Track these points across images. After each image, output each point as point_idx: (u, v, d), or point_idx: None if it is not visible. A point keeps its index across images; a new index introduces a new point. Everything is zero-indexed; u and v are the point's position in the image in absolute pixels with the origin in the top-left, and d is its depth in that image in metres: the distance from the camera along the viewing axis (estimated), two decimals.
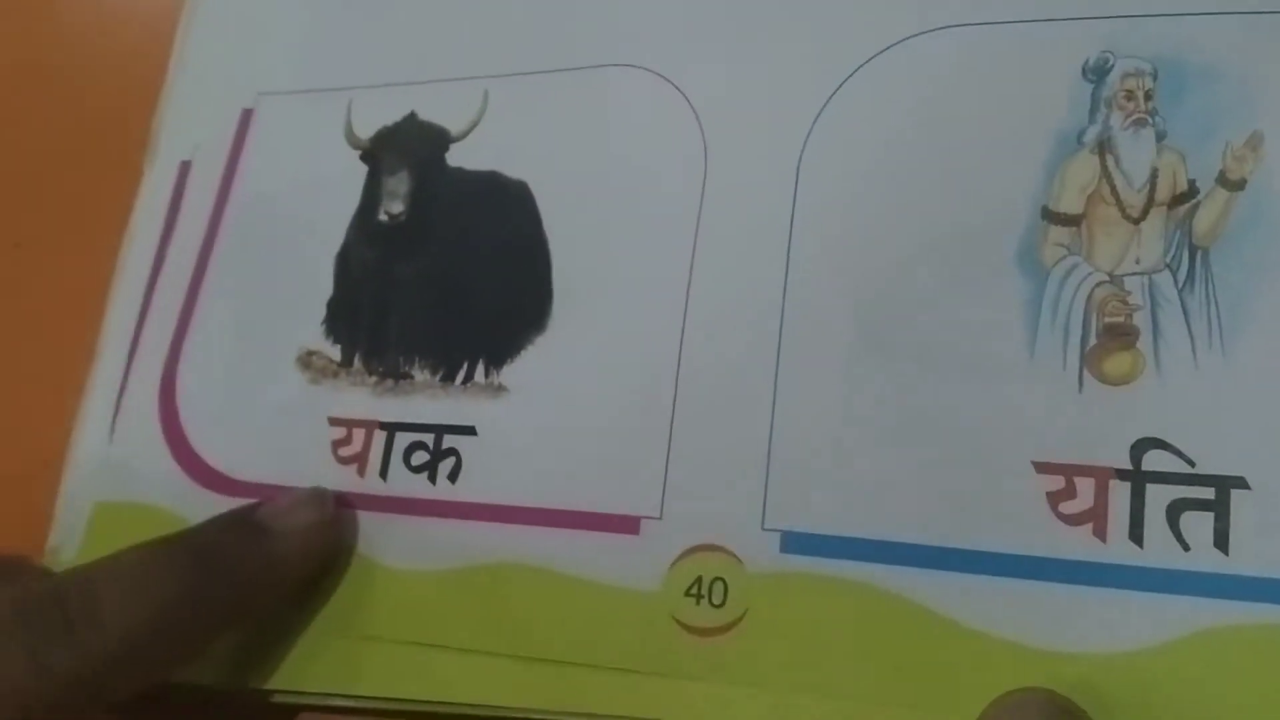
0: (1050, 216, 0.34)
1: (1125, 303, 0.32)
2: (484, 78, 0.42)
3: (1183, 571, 0.30)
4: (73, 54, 0.53)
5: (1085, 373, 0.32)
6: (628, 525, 0.35)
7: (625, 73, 0.40)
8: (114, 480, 0.42)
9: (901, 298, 0.34)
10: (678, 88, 0.39)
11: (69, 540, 0.42)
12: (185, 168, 0.46)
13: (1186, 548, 0.30)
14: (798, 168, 0.36)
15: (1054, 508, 0.32)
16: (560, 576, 0.35)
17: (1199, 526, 0.30)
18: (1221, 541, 0.30)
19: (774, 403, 0.34)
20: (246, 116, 0.45)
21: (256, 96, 0.46)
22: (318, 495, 0.38)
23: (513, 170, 0.41)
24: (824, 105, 0.37)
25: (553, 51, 0.41)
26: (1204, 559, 0.30)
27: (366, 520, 0.39)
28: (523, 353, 0.39)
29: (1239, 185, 0.32)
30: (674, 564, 0.34)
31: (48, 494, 0.43)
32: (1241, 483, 0.30)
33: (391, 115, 0.43)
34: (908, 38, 0.36)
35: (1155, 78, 0.34)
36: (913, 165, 0.35)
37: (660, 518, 0.35)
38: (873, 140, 0.36)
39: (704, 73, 0.39)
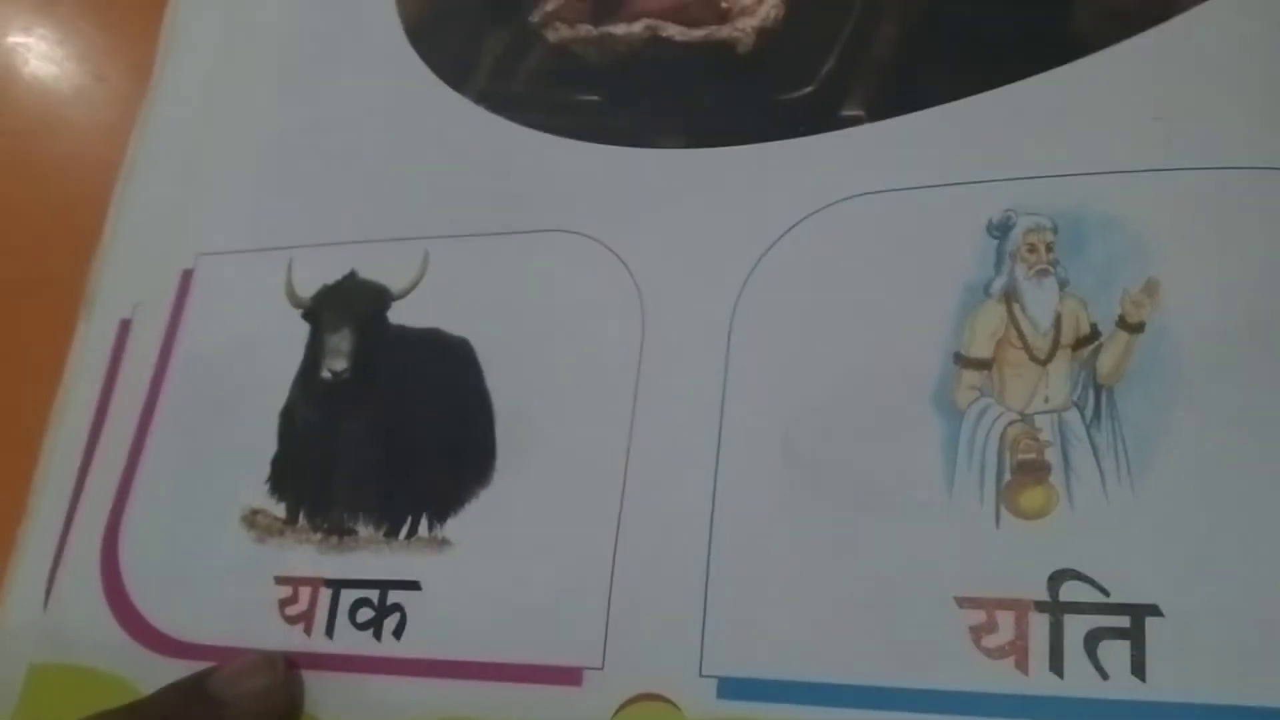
0: (963, 361, 0.35)
1: (1036, 439, 0.34)
2: (424, 238, 0.44)
3: (1102, 700, 0.31)
4: (7, 203, 0.54)
5: (1001, 508, 0.33)
6: (570, 677, 0.36)
7: (564, 238, 0.42)
8: (50, 641, 0.42)
9: (829, 442, 0.36)
10: (615, 253, 0.41)
11: (1, 704, 0.41)
12: (125, 325, 0.47)
13: (1105, 676, 0.31)
14: (730, 322, 0.38)
15: (977, 642, 0.32)
16: None
17: (1116, 655, 0.31)
18: (1139, 669, 0.31)
19: (709, 548, 0.35)
20: (187, 276, 0.47)
21: (196, 257, 0.47)
22: (268, 660, 0.38)
23: (454, 328, 0.42)
24: (755, 265, 0.39)
25: (493, 215, 0.43)
26: (1122, 687, 0.31)
27: (313, 680, 0.39)
28: (466, 506, 0.40)
29: (1138, 328, 0.34)
30: (615, 715, 0.35)
31: None
32: (1155, 610, 0.31)
33: (332, 274, 0.44)
34: (831, 204, 0.38)
35: (1055, 231, 0.36)
36: (835, 319, 0.37)
37: (602, 668, 0.35)
38: (799, 296, 0.38)
39: (640, 240, 0.41)
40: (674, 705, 0.34)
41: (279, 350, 0.44)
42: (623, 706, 0.35)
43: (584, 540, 0.37)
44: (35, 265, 0.52)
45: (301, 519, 0.42)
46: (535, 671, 0.36)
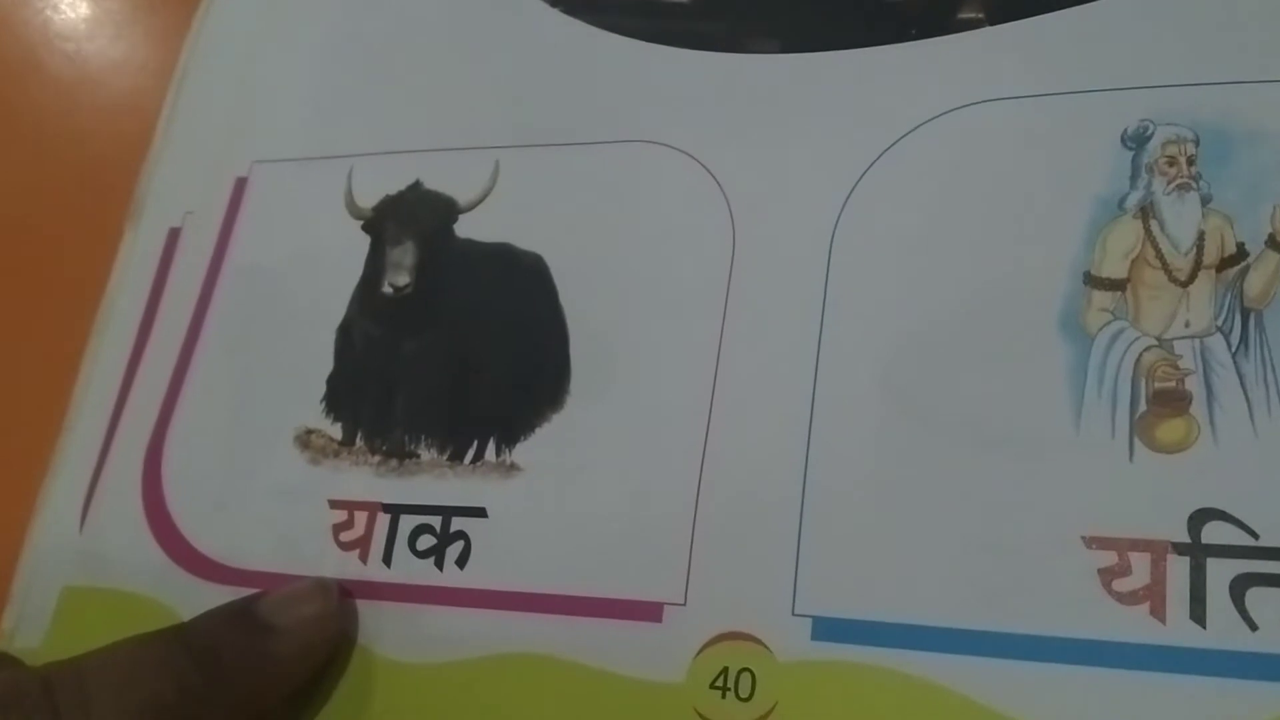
0: (1093, 281, 0.32)
1: (1176, 367, 0.31)
2: (495, 148, 0.41)
3: (1251, 654, 0.28)
4: (57, 107, 0.52)
5: (1136, 441, 0.30)
6: (650, 612, 0.33)
7: (648, 149, 0.39)
8: (86, 564, 0.39)
9: (938, 368, 0.33)
10: (704, 166, 0.38)
11: (32, 625, 0.38)
12: (174, 235, 0.44)
13: (1254, 627, 0.28)
14: (831, 240, 0.35)
15: (1106, 585, 0.29)
16: (577, 668, 0.33)
17: (1267, 604, 0.28)
18: None
19: (804, 481, 0.32)
20: (241, 184, 0.44)
21: (251, 165, 0.44)
22: (321, 586, 0.36)
23: (527, 243, 0.39)
24: (859, 178, 0.36)
25: (569, 124, 0.40)
26: (1275, 640, 0.28)
27: (370, 610, 0.36)
28: (537, 431, 0.37)
29: None
30: (699, 654, 0.32)
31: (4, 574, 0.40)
32: None
33: (395, 184, 0.42)
34: (945, 112, 0.35)
35: (1197, 143, 0.33)
36: (950, 235, 0.34)
37: (684, 604, 0.33)
38: (909, 212, 0.35)
39: (731, 147, 0.38)
40: (764, 645, 0.31)
41: (337, 263, 0.41)
42: (706, 646, 0.32)
43: (665, 469, 0.34)
44: (86, 173, 0.49)
45: (359, 440, 0.39)
46: (611, 605, 0.33)
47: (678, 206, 0.38)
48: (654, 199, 0.38)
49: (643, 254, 0.37)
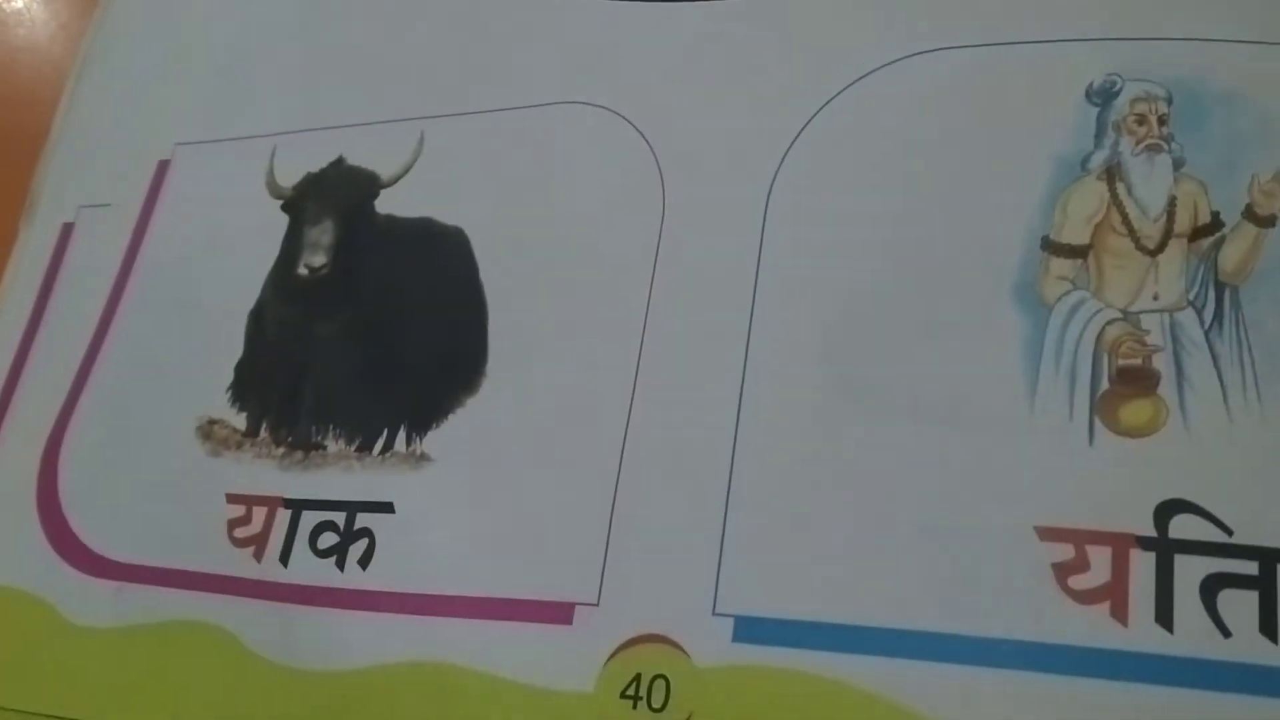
0: (1052, 247, 0.29)
1: (1142, 343, 0.27)
2: (420, 118, 0.38)
3: (1222, 663, 0.24)
4: None
5: (1096, 423, 0.27)
6: (559, 614, 0.30)
7: (575, 110, 0.36)
8: None
9: (880, 341, 0.29)
10: (632, 124, 0.35)
11: None
12: (68, 229, 0.41)
13: (1227, 634, 0.25)
14: (766, 203, 0.32)
15: (1062, 582, 0.26)
16: (479, 677, 0.30)
17: (1241, 608, 0.25)
18: (1269, 627, 0.24)
19: (732, 468, 0.29)
20: (162, 168, 0.41)
21: (174, 148, 0.41)
22: None
23: (450, 217, 0.36)
24: (797, 135, 0.32)
25: (496, 88, 0.37)
26: (1248, 648, 0.24)
27: (261, 612, 0.33)
28: (450, 418, 0.34)
29: (1269, 221, 0.28)
30: (610, 659, 0.29)
31: None
32: None
33: (318, 161, 0.39)
34: (897, 59, 0.32)
35: (1169, 101, 0.29)
36: (894, 196, 0.31)
37: (597, 605, 0.29)
38: (853, 168, 0.32)
39: (662, 104, 0.35)
40: (680, 649, 0.28)
41: (255, 246, 0.38)
42: (619, 650, 0.28)
43: (583, 457, 0.31)
44: None
45: (264, 431, 0.36)
46: (519, 607, 0.30)
47: (606, 171, 0.35)
48: (582, 164, 0.35)
49: (568, 224, 0.34)
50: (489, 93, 0.37)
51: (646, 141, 0.34)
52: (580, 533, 0.30)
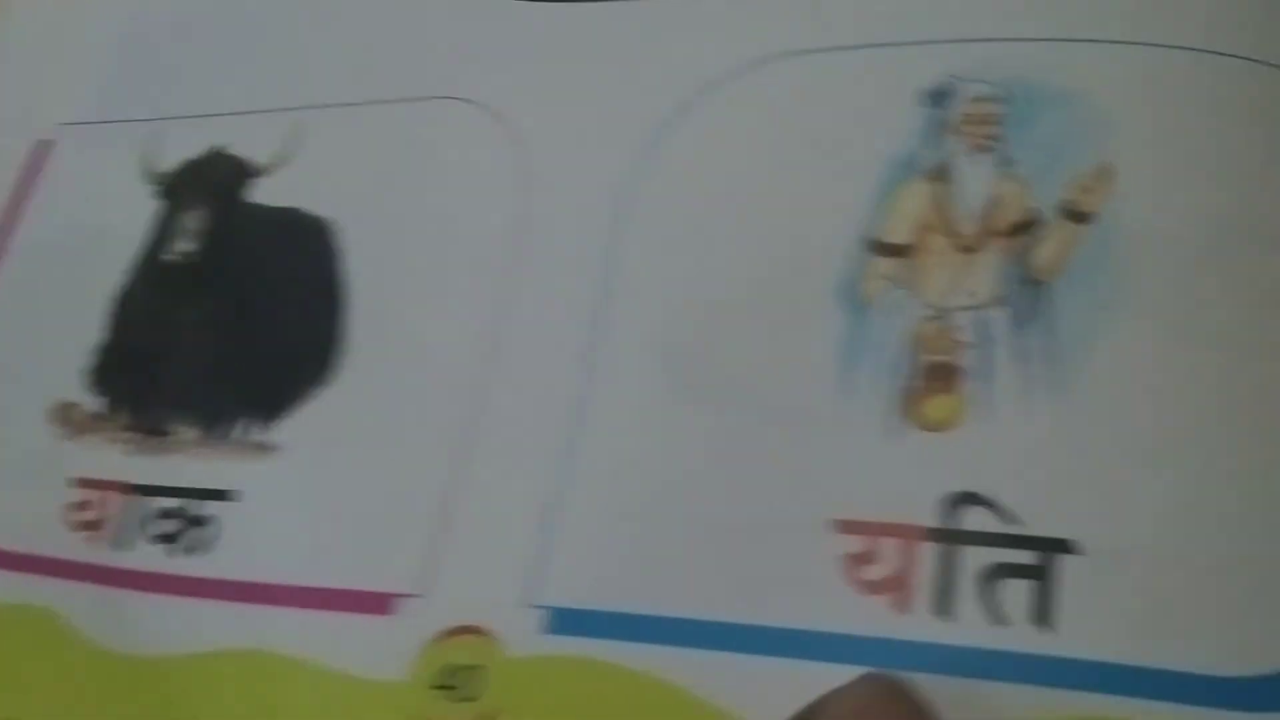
0: (876, 248, 0.29)
1: (952, 339, 0.27)
2: (298, 108, 0.38)
3: (997, 651, 0.24)
4: None
5: (902, 418, 0.27)
6: (382, 604, 0.30)
7: (446, 106, 0.36)
8: None
9: (717, 340, 0.30)
10: (502, 120, 0.35)
11: None
12: None
13: (1003, 622, 0.25)
14: (615, 206, 0.32)
15: (850, 573, 0.26)
16: (298, 666, 0.30)
17: (1019, 597, 0.25)
18: (1044, 616, 0.24)
19: (570, 460, 0.29)
20: (41, 149, 0.41)
21: (56, 127, 0.42)
22: None
23: (321, 207, 0.36)
24: (649, 138, 0.33)
25: (372, 81, 0.38)
26: (1023, 637, 0.24)
27: (93, 596, 0.33)
28: (301, 408, 0.34)
29: (1085, 218, 0.28)
30: (425, 650, 0.28)
31: None
32: (1071, 546, 0.25)
33: (197, 148, 0.39)
34: (741, 66, 0.33)
35: (1001, 103, 0.30)
36: (740, 198, 0.31)
37: (420, 596, 0.29)
38: (701, 173, 0.32)
39: (531, 101, 0.35)
40: (495, 640, 0.28)
41: (128, 232, 0.38)
42: (435, 641, 0.29)
43: (418, 450, 0.31)
44: None
45: (119, 416, 0.36)
46: (343, 597, 0.30)
47: (473, 166, 0.35)
48: (450, 158, 0.35)
49: (430, 216, 0.35)
50: (363, 85, 0.38)
51: (515, 140, 0.34)
52: (408, 523, 0.30)
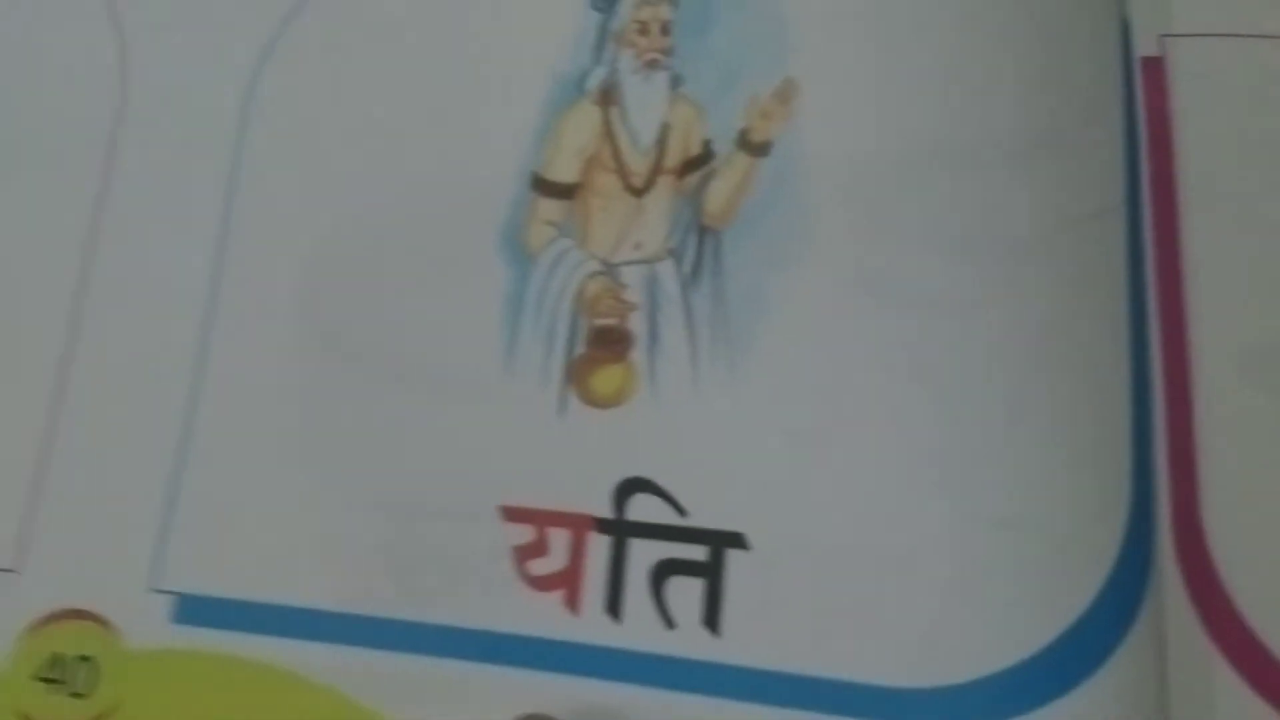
0: (541, 186, 0.26)
1: (620, 300, 0.25)
2: None
3: (662, 657, 0.23)
4: None
5: (569, 391, 0.25)
6: None
7: None
8: None
9: (363, 287, 0.27)
10: None
11: None
12: None
13: (671, 624, 0.24)
14: (242, 114, 0.28)
15: (520, 567, 0.24)
16: None
17: (687, 597, 0.24)
18: (711, 618, 0.23)
19: (185, 427, 0.26)
20: None
21: None
22: None
23: None
24: (284, 24, 0.28)
25: None
26: (690, 641, 0.23)
27: None
28: None
29: (763, 149, 0.25)
30: (27, 634, 0.26)
31: None
32: (739, 540, 0.23)
33: None
34: None
35: (675, 5, 0.26)
36: (389, 114, 0.27)
37: (17, 571, 0.26)
38: (340, 79, 0.28)
39: None
40: (111, 627, 0.26)
41: None
42: (39, 625, 0.26)
43: (10, 404, 0.28)
44: None
45: None
46: None
47: (60, 39, 0.30)
48: (33, 29, 0.30)
49: (11, 95, 0.30)
50: None
51: (108, 12, 0.29)
52: None
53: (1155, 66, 0.26)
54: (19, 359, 0.27)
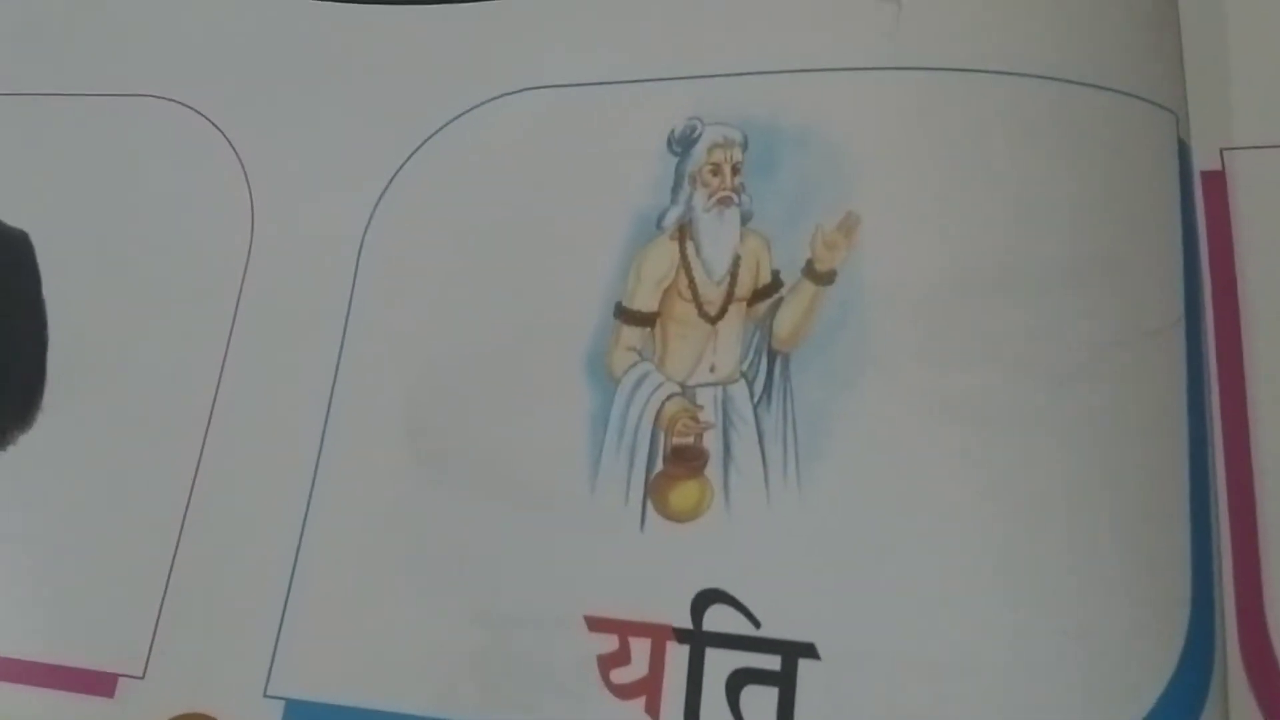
0: (624, 315, 0.28)
1: (696, 420, 0.27)
2: None
3: None
4: None
5: (649, 506, 0.26)
6: (102, 685, 0.29)
7: (155, 105, 0.34)
8: None
9: (463, 411, 0.29)
10: (220, 129, 0.33)
11: None
12: None
13: None
14: (361, 245, 0.30)
15: (605, 675, 0.26)
16: None
17: (761, 705, 0.25)
18: None
19: (301, 536, 0.28)
20: None
21: None
22: None
23: (13, 215, 0.33)
24: (396, 172, 0.31)
25: (59, 69, 0.35)
26: None
27: None
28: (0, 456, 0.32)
29: (828, 278, 0.27)
30: None
31: None
32: (810, 651, 0.24)
33: None
34: (485, 101, 0.31)
35: (745, 147, 0.28)
36: (485, 251, 0.30)
37: (143, 677, 0.28)
38: (445, 220, 0.30)
39: (254, 112, 0.33)
40: None
41: None
42: None
43: (143, 512, 0.30)
44: None
45: None
46: (59, 675, 0.29)
47: (189, 180, 0.33)
48: (161, 167, 0.33)
49: (144, 235, 0.32)
50: (51, 73, 0.35)
51: (236, 154, 0.32)
52: (131, 596, 0.29)
53: (1216, 180, 0.27)
54: (155, 478, 0.30)
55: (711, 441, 0.27)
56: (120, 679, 0.29)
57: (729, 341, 0.27)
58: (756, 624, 0.25)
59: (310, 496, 0.29)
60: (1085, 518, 0.24)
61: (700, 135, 0.29)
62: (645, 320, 0.28)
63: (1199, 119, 0.28)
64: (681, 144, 0.29)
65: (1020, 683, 0.23)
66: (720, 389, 0.27)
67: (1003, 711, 0.23)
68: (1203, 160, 0.28)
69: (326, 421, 0.29)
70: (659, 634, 0.26)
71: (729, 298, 0.27)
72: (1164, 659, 0.23)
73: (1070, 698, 0.23)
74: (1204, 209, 0.28)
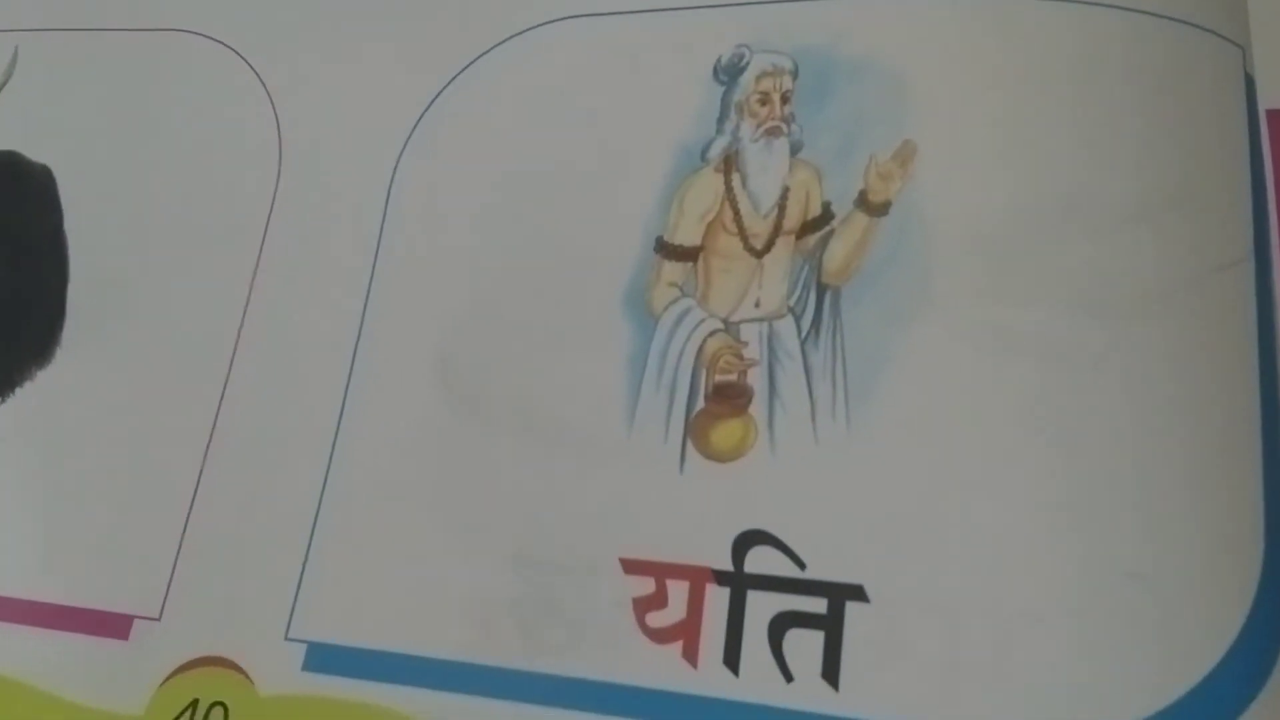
0: (664, 249, 0.27)
1: (740, 356, 0.25)
2: (16, 30, 0.34)
3: (781, 710, 0.23)
4: None
5: (689, 446, 0.25)
6: (117, 627, 0.28)
7: (190, 40, 0.33)
8: None
9: (495, 347, 0.28)
10: (249, 64, 0.32)
11: None
12: None
13: (790, 678, 0.23)
14: (391, 180, 0.29)
15: (640, 619, 0.25)
16: (25, 690, 0.28)
17: (806, 650, 0.23)
18: (831, 672, 0.23)
19: (326, 479, 0.27)
20: None
21: None
22: None
23: (40, 149, 0.33)
24: (428, 105, 0.30)
25: (101, 3, 0.34)
26: (808, 694, 0.23)
27: None
28: (18, 391, 0.31)
29: (882, 209, 0.25)
30: (166, 681, 0.27)
31: None
32: (859, 593, 0.23)
33: None
34: (529, 28, 0.30)
35: (795, 75, 0.27)
36: (521, 185, 0.29)
37: (159, 619, 0.27)
38: (479, 154, 0.29)
39: (284, 47, 0.32)
40: (243, 673, 0.26)
41: None
42: (177, 672, 0.27)
43: (162, 451, 0.29)
44: None
45: None
46: (75, 616, 0.28)
47: (216, 114, 0.32)
48: (189, 102, 0.32)
49: (170, 170, 0.32)
50: (80, 8, 0.34)
51: (265, 89, 0.31)
52: (148, 538, 0.28)
53: None
54: (177, 418, 0.29)
55: (756, 379, 0.25)
56: (135, 620, 0.28)
57: (776, 276, 0.26)
58: (801, 565, 0.24)
59: (336, 435, 0.28)
60: (1152, 459, 0.23)
61: (748, 63, 0.27)
62: (687, 255, 0.27)
63: (1263, 57, 0.27)
64: (728, 72, 0.28)
65: (1087, 630, 0.22)
66: (766, 325, 0.26)
67: (1069, 661, 0.22)
68: (1268, 99, 0.27)
69: (354, 359, 0.28)
70: (698, 576, 0.25)
71: (776, 230, 0.26)
72: (1237, 603, 0.21)
73: (1134, 644, 0.22)
74: (1270, 147, 0.26)
